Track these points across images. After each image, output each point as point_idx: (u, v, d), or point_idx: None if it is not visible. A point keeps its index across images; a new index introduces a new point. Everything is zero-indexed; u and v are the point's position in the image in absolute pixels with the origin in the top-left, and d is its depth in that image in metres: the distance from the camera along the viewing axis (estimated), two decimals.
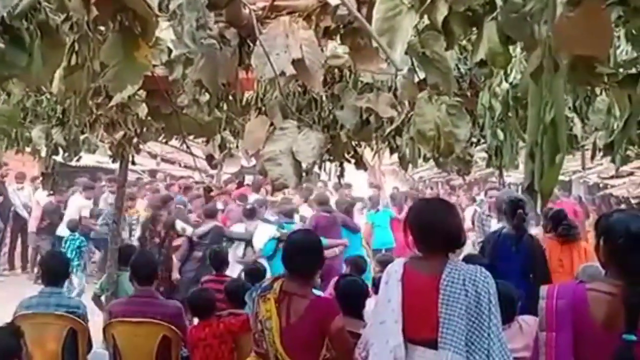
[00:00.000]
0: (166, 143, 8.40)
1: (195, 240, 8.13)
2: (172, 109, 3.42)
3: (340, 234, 8.95)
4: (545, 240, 6.38)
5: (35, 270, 10.26)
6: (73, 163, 5.77)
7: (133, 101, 3.68)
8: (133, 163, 6.23)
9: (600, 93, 3.47)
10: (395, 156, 4.98)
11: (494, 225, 8.21)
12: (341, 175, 5.58)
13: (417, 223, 3.08)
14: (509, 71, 3.11)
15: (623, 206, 10.60)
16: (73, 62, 2.51)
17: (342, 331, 3.36)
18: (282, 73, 2.14)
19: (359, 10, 2.14)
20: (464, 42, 2.78)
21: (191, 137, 4.77)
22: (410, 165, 4.56)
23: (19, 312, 4.60)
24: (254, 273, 5.66)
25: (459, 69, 3.40)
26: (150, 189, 12.66)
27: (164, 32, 2.48)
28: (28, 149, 5.74)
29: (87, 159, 10.58)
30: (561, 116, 1.26)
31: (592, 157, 3.83)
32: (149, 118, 3.88)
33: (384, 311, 2.96)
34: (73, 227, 9.91)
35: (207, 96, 3.29)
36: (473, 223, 9.95)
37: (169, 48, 2.57)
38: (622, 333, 2.44)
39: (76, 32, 2.35)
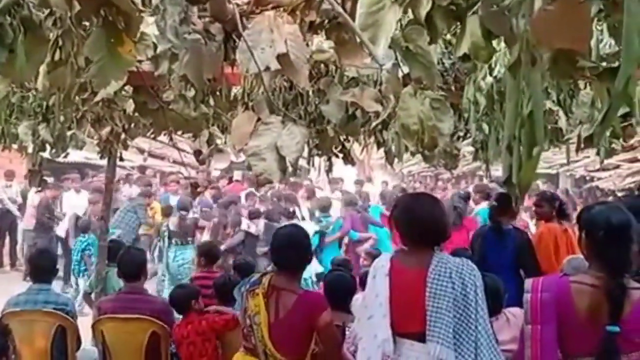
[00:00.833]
0: (154, 139, 8.40)
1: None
2: (159, 105, 3.42)
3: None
4: (540, 234, 6.14)
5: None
6: (61, 159, 5.74)
7: (119, 97, 3.67)
8: (121, 159, 6.21)
9: (585, 87, 3.50)
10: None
11: None
12: (329, 170, 5.58)
13: (403, 217, 3.09)
14: (493, 65, 3.13)
15: (610, 199, 10.67)
16: (57, 57, 2.50)
17: (330, 326, 3.38)
18: (267, 68, 2.14)
19: (343, 4, 2.14)
20: (448, 37, 2.79)
21: (179, 133, 4.76)
22: (396, 160, 4.57)
23: (7, 309, 4.58)
24: (243, 267, 5.66)
25: (443, 63, 3.41)
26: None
27: (150, 27, 2.48)
28: (15, 146, 5.70)
29: (74, 155, 10.55)
30: (539, 110, 1.27)
31: (577, 150, 3.85)
32: (136, 114, 3.87)
33: (372, 306, 2.98)
34: (85, 227, 9.72)
35: (193, 92, 3.29)
36: None
37: (154, 43, 2.57)
38: (605, 325, 2.47)
39: (59, 28, 2.34)
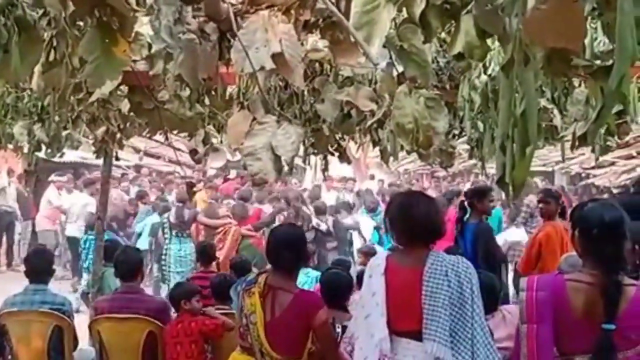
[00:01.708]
0: (150, 138, 8.41)
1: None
2: (154, 105, 3.41)
3: None
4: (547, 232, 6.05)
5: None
6: (56, 159, 5.74)
7: (115, 97, 3.67)
8: (117, 159, 6.21)
9: (579, 84, 3.51)
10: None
11: None
12: (325, 168, 5.59)
13: (398, 216, 3.09)
14: (487, 63, 3.13)
15: (606, 196, 10.69)
16: (52, 58, 2.50)
17: (326, 324, 3.38)
18: (262, 67, 2.14)
19: (338, 3, 2.14)
20: (443, 35, 2.79)
21: (175, 132, 4.76)
22: (392, 158, 4.58)
23: (4, 309, 4.58)
24: (240, 266, 5.66)
25: (437, 62, 3.42)
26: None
27: (144, 27, 2.47)
28: (10, 146, 5.69)
29: (70, 155, 10.51)
30: (532, 109, 1.27)
31: (572, 148, 3.86)
32: (131, 113, 3.87)
33: (368, 305, 2.98)
34: (91, 225, 9.65)
35: (188, 91, 3.29)
36: None
37: (149, 43, 2.56)
38: (601, 322, 2.48)
39: (54, 28, 2.34)
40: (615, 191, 11.32)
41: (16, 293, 4.69)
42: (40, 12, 2.26)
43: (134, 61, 2.77)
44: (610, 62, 2.01)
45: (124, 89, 3.51)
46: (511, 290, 6.45)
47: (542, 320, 2.54)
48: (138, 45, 2.58)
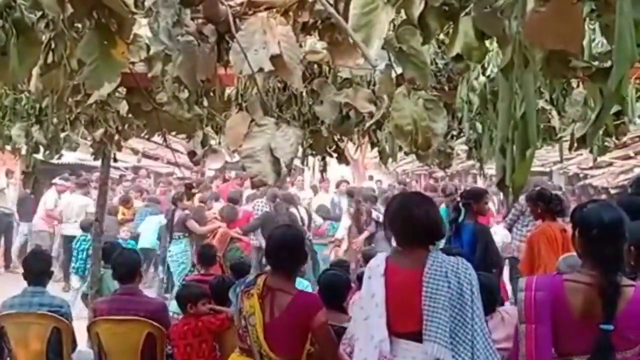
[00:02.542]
0: (149, 139, 8.41)
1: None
2: (152, 106, 3.41)
3: None
4: (543, 232, 6.10)
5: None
6: (54, 161, 5.74)
7: (113, 98, 3.67)
8: (115, 160, 6.20)
9: (578, 85, 3.51)
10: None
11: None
12: (324, 169, 5.59)
13: (397, 217, 3.09)
14: (486, 65, 3.14)
15: (604, 196, 10.70)
16: (50, 60, 2.49)
17: (325, 326, 3.37)
18: (261, 69, 2.14)
19: (336, 5, 2.14)
20: (441, 37, 2.79)
21: (173, 134, 4.75)
22: (390, 159, 4.58)
23: (2, 311, 4.57)
24: (239, 268, 5.65)
25: (436, 63, 3.42)
26: None
27: (142, 29, 2.47)
28: (8, 147, 5.69)
29: (68, 157, 10.51)
30: (532, 111, 1.27)
31: (570, 149, 3.87)
32: (130, 115, 3.87)
33: (368, 306, 2.97)
34: (87, 227, 9.62)
35: (187, 93, 3.28)
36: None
37: (147, 45, 2.56)
38: (599, 323, 2.48)
39: (52, 30, 2.33)
40: (613, 192, 11.33)
41: (14, 295, 4.69)
42: (39, 14, 2.26)
43: (133, 63, 2.77)
44: (609, 63, 2.01)
45: (122, 90, 3.51)
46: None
47: (540, 321, 2.54)
48: (136, 47, 2.57)
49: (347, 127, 3.54)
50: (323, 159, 5.36)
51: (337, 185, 13.59)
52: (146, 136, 5.67)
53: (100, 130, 4.69)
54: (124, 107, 3.80)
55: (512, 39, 1.34)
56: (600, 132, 3.68)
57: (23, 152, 5.50)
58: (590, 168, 12.08)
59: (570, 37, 1.39)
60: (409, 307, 2.87)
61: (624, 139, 5.63)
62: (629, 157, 11.93)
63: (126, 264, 4.62)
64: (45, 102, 3.94)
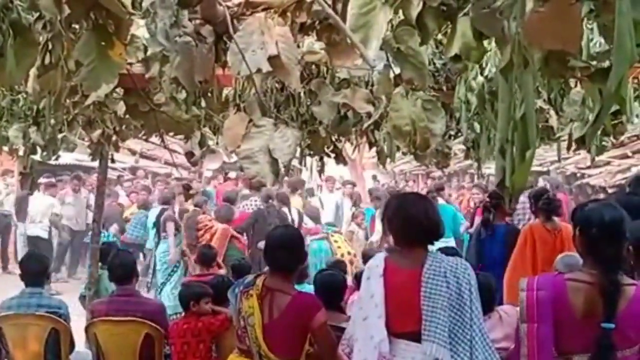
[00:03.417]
0: (146, 140, 8.41)
1: None
2: (150, 107, 3.41)
3: None
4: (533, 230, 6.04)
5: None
6: (52, 162, 5.73)
7: (110, 99, 3.66)
8: (112, 161, 6.20)
9: (575, 85, 3.51)
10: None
11: None
12: (322, 169, 5.59)
13: (396, 217, 3.09)
14: (484, 65, 3.14)
15: (601, 195, 10.71)
16: (47, 61, 2.49)
17: (324, 326, 3.37)
18: (259, 70, 2.14)
19: (334, 5, 2.14)
20: (439, 37, 2.79)
21: (171, 134, 4.75)
22: (388, 160, 4.58)
23: (0, 313, 4.56)
24: (239, 268, 5.64)
25: (434, 63, 3.42)
26: None
27: (140, 29, 2.47)
28: (5, 148, 5.68)
29: (66, 158, 10.49)
30: (531, 112, 1.27)
31: (568, 149, 3.88)
32: (127, 116, 3.86)
33: (367, 307, 2.97)
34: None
35: (185, 94, 3.28)
36: None
37: (145, 46, 2.56)
38: (600, 321, 2.48)
39: (49, 31, 2.33)
40: (610, 191, 11.34)
41: (12, 296, 4.68)
42: (36, 15, 2.26)
43: (130, 64, 2.76)
44: (607, 63, 2.02)
45: (120, 91, 3.51)
46: None
47: (542, 320, 2.55)
48: (134, 48, 2.57)
49: (345, 127, 3.54)
50: (321, 159, 5.36)
51: (344, 185, 13.62)
52: (144, 137, 5.66)
53: (98, 131, 4.69)
54: (121, 107, 3.80)
55: (512, 39, 1.34)
56: (599, 131, 3.69)
57: (20, 153, 5.48)
58: (588, 167, 12.09)
59: (569, 37, 1.39)
60: (408, 307, 2.87)
61: (621, 138, 5.63)
62: (626, 156, 11.95)
63: (123, 265, 4.61)
64: (42, 103, 3.93)
